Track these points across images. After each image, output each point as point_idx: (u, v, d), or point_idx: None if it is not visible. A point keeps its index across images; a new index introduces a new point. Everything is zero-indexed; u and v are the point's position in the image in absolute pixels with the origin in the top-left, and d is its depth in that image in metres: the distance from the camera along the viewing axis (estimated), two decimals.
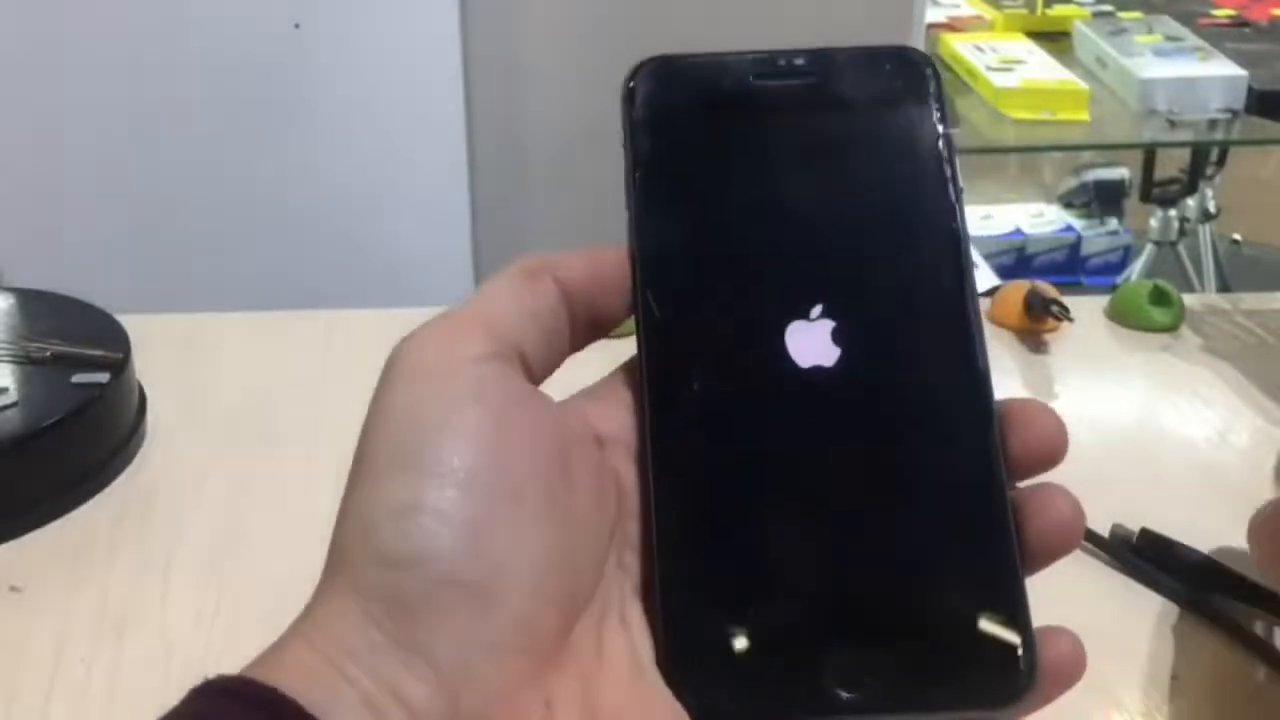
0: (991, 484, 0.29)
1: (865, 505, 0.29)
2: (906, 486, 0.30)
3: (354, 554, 0.26)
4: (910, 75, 0.33)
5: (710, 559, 0.29)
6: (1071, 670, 0.29)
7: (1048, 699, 0.28)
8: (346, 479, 0.28)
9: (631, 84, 0.33)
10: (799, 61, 0.33)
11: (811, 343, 0.31)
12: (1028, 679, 0.28)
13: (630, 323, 0.32)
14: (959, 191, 0.32)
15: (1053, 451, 0.30)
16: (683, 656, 0.28)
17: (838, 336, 0.31)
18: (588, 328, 0.32)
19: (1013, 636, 0.28)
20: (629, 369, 0.32)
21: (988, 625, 0.28)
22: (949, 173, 0.32)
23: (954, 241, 0.32)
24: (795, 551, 0.29)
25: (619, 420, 0.31)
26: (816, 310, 0.31)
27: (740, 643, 0.28)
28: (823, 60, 0.33)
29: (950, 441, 0.30)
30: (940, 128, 0.33)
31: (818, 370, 0.30)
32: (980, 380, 0.30)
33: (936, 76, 0.33)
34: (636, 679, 0.28)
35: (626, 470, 0.31)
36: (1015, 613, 0.29)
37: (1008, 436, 0.30)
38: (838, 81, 0.33)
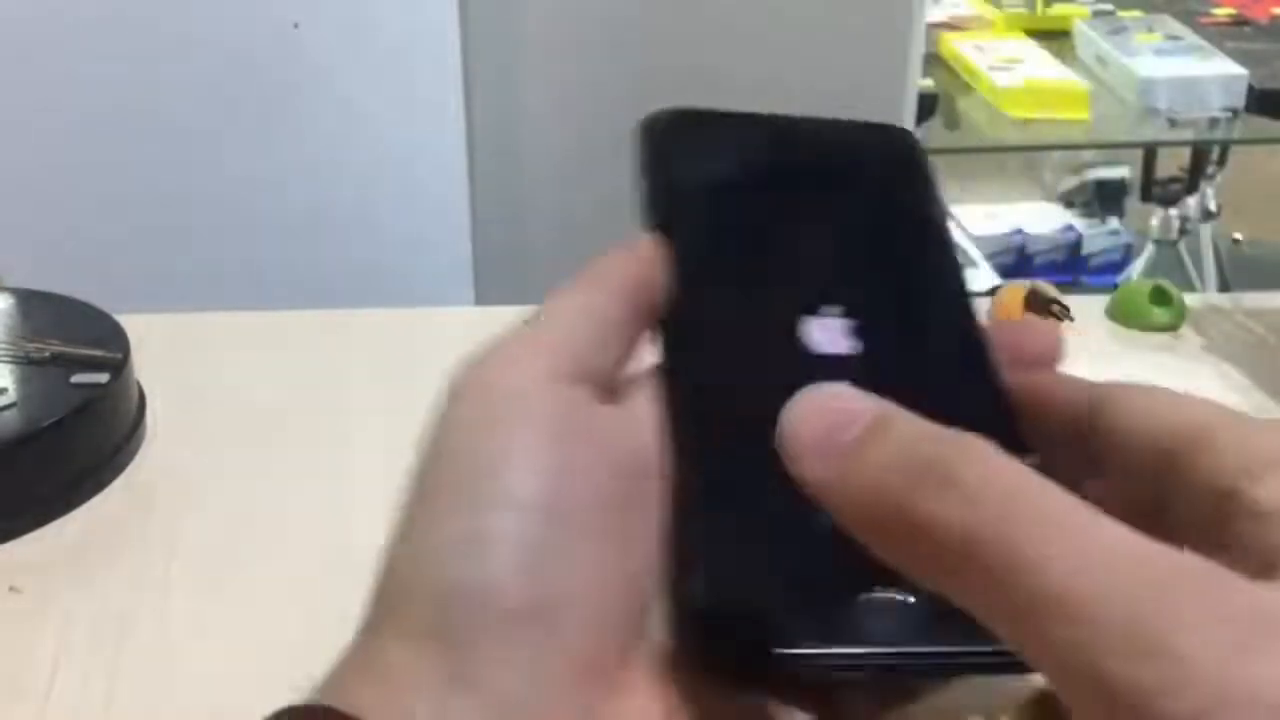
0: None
1: None
2: None
3: (412, 588, 0.26)
4: (904, 151, 0.35)
5: (735, 515, 0.28)
6: None
7: None
8: (406, 507, 0.28)
9: (647, 135, 0.33)
10: (804, 132, 0.35)
11: None
12: None
13: None
14: (960, 264, 0.34)
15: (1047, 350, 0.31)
16: (709, 583, 0.27)
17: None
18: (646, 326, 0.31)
19: None
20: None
21: None
22: (949, 243, 0.34)
23: (964, 309, 0.32)
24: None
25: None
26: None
27: (766, 575, 0.28)
28: (825, 131, 0.35)
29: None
30: (940, 203, 0.34)
31: None
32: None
33: (923, 153, 0.35)
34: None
35: None
36: None
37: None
38: (843, 154, 0.35)
